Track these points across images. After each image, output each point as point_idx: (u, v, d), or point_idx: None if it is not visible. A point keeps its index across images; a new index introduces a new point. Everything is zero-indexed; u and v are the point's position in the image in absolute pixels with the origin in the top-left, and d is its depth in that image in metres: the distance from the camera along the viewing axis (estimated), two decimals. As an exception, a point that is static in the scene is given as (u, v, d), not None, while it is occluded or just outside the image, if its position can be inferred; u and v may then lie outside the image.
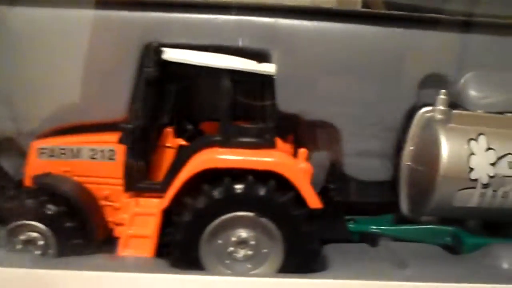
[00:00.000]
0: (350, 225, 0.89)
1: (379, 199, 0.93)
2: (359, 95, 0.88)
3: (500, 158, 0.79)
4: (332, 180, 0.90)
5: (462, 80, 0.89)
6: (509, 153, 0.80)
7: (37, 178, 0.77)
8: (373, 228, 0.87)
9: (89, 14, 0.81)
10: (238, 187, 0.71)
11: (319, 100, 0.88)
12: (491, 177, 0.79)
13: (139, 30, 0.82)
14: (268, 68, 0.76)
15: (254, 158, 0.72)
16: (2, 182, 0.86)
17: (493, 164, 0.79)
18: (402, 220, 0.92)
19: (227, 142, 0.75)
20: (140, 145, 0.75)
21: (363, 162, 0.92)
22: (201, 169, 0.71)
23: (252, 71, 0.74)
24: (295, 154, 0.90)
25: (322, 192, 0.90)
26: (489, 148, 0.80)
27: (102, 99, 0.82)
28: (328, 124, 0.90)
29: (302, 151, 0.78)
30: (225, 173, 0.73)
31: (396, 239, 0.89)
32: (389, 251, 0.81)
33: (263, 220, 0.73)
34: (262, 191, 0.71)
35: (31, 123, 0.84)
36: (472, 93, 0.87)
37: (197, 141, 0.78)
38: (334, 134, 0.91)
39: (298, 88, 0.87)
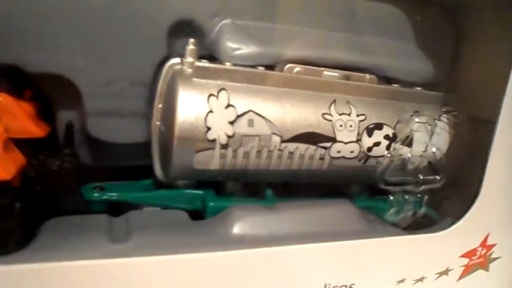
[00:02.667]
0: (95, 194, 0.79)
1: (131, 163, 0.83)
2: (95, 45, 0.74)
3: (240, 116, 0.74)
4: (67, 144, 0.77)
5: (217, 29, 0.81)
6: (251, 110, 0.75)
7: None
8: (113, 195, 0.78)
9: None
10: None
11: (42, 48, 0.71)
12: (230, 136, 0.73)
13: None
14: None
15: None
16: None
17: (232, 123, 0.74)
18: (162, 185, 0.85)
19: None
20: None
21: (111, 123, 0.80)
22: None
23: None
24: (36, 115, 0.77)
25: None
26: (229, 105, 0.74)
27: None
28: (62, 78, 0.76)
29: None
30: None
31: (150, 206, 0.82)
32: (122, 222, 0.72)
33: None
34: None
35: None
36: (226, 43, 0.79)
37: None
38: (71, 91, 0.77)
39: (11, 30, 0.70)
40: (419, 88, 0.91)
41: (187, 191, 0.80)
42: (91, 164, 0.85)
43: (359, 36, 0.88)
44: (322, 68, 0.83)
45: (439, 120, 0.88)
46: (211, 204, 0.76)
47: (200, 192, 0.79)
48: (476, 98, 0.91)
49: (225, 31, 0.79)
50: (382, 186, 0.80)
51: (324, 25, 0.86)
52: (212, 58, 0.81)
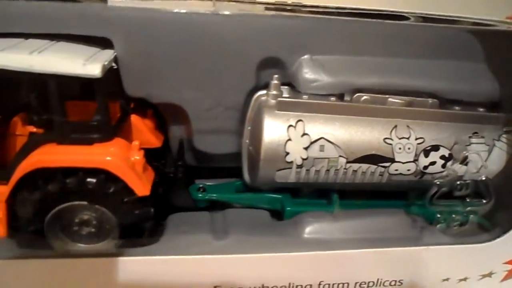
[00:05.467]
0: (199, 194, 1.03)
1: (225, 165, 1.04)
2: (199, 80, 0.94)
3: (313, 142, 0.90)
4: (179, 158, 1.01)
5: (296, 63, 0.96)
6: (322, 138, 0.91)
7: None
8: (214, 196, 1.01)
9: None
10: (69, 181, 0.81)
11: (163, 85, 0.94)
12: (304, 159, 0.91)
13: None
14: (91, 70, 0.79)
15: (82, 157, 0.81)
16: None
17: (306, 148, 0.90)
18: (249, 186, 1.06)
19: (62, 139, 0.83)
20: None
21: (212, 139, 1.01)
22: (33, 169, 0.80)
23: (74, 75, 0.79)
24: (155, 128, 1.02)
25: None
26: (304, 134, 0.90)
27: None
28: (176, 106, 0.97)
29: (134, 144, 0.87)
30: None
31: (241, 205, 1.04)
32: (221, 219, 0.96)
33: (97, 207, 0.85)
34: (91, 184, 0.82)
35: None
36: (304, 76, 0.93)
37: (35, 137, 0.85)
38: (182, 115, 0.99)
39: (142, 74, 0.93)
40: (481, 110, 0.98)
41: (269, 195, 1.01)
42: (195, 165, 1.09)
43: (423, 61, 0.96)
44: (387, 96, 0.95)
45: (498, 140, 0.96)
46: (288, 209, 0.97)
47: (279, 196, 1.00)
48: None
49: (303, 65, 0.94)
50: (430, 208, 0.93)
51: (390, 53, 0.96)
52: (292, 85, 0.97)
